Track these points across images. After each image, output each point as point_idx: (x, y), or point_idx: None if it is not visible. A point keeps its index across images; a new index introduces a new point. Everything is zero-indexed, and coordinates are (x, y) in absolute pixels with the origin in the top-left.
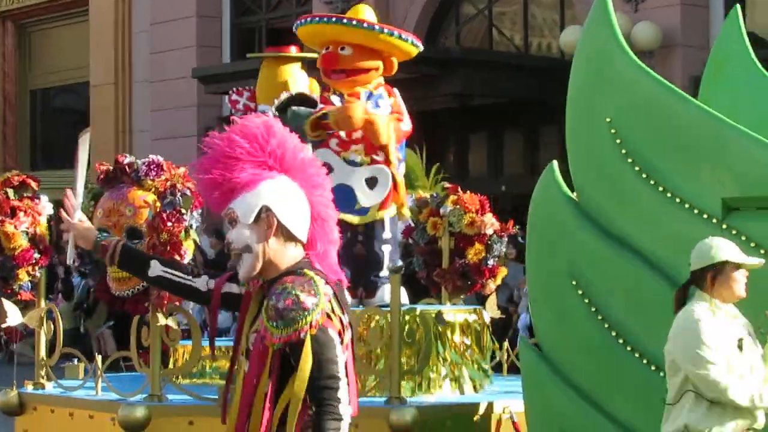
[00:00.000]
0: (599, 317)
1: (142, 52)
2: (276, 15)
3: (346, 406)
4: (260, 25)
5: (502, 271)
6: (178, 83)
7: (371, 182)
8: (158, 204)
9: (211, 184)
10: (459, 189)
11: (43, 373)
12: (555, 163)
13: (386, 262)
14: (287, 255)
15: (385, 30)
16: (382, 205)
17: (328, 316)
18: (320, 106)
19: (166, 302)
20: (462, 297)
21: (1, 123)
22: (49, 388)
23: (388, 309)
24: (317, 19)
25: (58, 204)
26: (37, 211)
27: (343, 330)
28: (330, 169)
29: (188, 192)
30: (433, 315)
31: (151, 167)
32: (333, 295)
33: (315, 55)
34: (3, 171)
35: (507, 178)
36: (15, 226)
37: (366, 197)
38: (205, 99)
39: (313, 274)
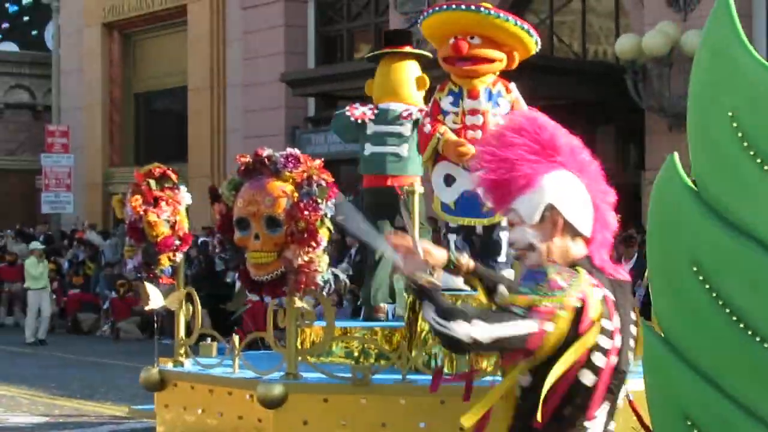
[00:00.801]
0: (720, 302)
1: (234, 58)
2: (357, 24)
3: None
4: (342, 34)
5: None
6: (267, 87)
7: None
8: (295, 194)
9: (491, 185)
10: None
11: (182, 351)
12: (676, 154)
13: (505, 248)
14: (571, 252)
15: (517, 22)
16: None
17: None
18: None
19: (302, 287)
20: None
21: (108, 123)
22: (188, 365)
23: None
24: (453, 6)
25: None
26: (177, 200)
27: (609, 336)
28: (452, 180)
29: (323, 183)
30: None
31: (289, 159)
32: (602, 299)
33: (429, 54)
34: (109, 166)
35: None
36: (158, 215)
37: None
38: (292, 101)
39: (584, 272)
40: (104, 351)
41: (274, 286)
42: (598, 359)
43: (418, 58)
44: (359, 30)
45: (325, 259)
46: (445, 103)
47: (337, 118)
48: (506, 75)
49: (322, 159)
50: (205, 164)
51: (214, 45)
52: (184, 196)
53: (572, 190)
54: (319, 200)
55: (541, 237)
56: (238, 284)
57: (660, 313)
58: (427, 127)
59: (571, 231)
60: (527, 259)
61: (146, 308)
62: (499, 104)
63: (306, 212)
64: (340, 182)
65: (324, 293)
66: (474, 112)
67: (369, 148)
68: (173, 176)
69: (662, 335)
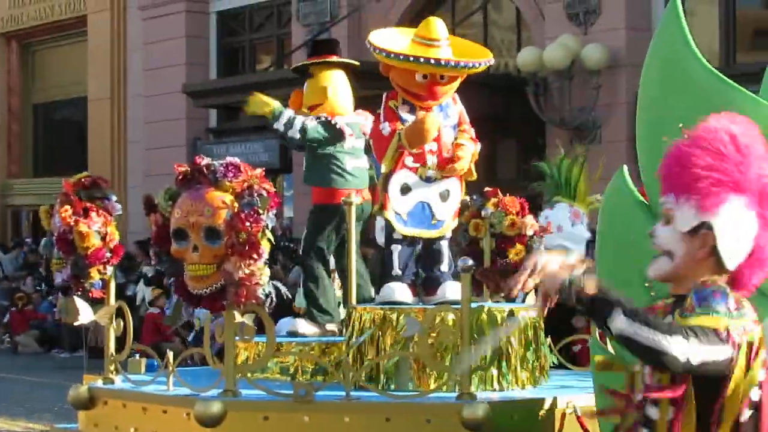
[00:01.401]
0: None
1: (135, 69)
2: (259, 35)
3: None
4: (244, 45)
5: None
6: (168, 98)
7: (444, 195)
8: (236, 204)
9: (675, 175)
10: (499, 192)
11: (112, 368)
12: (625, 167)
13: (447, 258)
14: (704, 274)
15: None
16: (454, 216)
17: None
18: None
19: (243, 300)
20: (501, 295)
21: (6, 133)
22: (119, 382)
23: (458, 306)
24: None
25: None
26: (108, 211)
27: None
28: (408, 190)
29: (264, 193)
30: (504, 313)
31: (229, 168)
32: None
33: (356, 63)
34: (7, 177)
35: (470, 188)
36: (88, 226)
37: (441, 211)
38: (193, 112)
39: (747, 302)
40: (2, 364)
41: (214, 299)
42: (755, 394)
43: (345, 67)
44: (261, 41)
45: (267, 272)
46: (403, 111)
47: (323, 125)
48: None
49: (263, 168)
50: (106, 175)
51: (114, 55)
52: (115, 206)
53: (739, 224)
54: (261, 211)
55: (685, 250)
56: (174, 298)
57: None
58: (386, 129)
59: (715, 260)
60: (658, 261)
61: (75, 323)
62: (449, 115)
63: (247, 223)
64: None
65: (265, 307)
66: None
67: (350, 162)
68: (104, 186)
69: (613, 352)
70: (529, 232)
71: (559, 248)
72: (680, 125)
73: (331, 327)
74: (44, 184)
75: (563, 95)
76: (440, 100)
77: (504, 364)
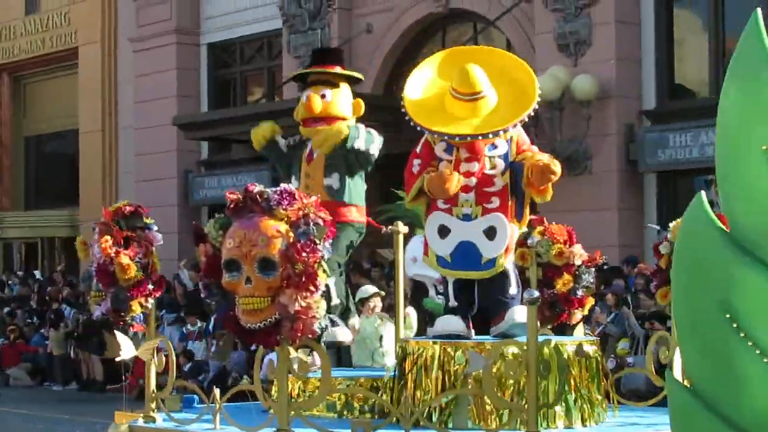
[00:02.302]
0: (756, 351)
1: (126, 101)
2: (250, 67)
3: None
4: (235, 77)
5: (590, 301)
6: (159, 130)
7: (490, 233)
8: (291, 234)
9: None
10: (545, 220)
11: (153, 405)
12: (703, 193)
13: (514, 280)
14: None
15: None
16: (507, 252)
17: None
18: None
19: (299, 335)
20: (549, 327)
21: None
22: (161, 421)
23: (524, 340)
24: None
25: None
26: (149, 240)
27: None
28: (447, 231)
29: (320, 221)
30: (574, 346)
31: (284, 196)
32: None
33: (359, 75)
34: None
35: None
36: (130, 257)
37: (489, 249)
38: (185, 144)
39: None
40: None
41: (268, 334)
42: None
43: (348, 79)
44: (253, 73)
45: (323, 304)
46: (439, 149)
47: (375, 137)
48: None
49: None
50: (97, 208)
51: (105, 88)
52: (156, 236)
53: None
54: (317, 240)
55: None
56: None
57: (687, 361)
58: (416, 168)
59: None
60: None
61: (117, 359)
62: (496, 145)
63: (304, 253)
64: None
65: (321, 342)
66: (470, 159)
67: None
68: (144, 214)
69: (689, 385)
70: (578, 262)
71: (420, 278)
72: (763, 147)
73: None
74: (36, 217)
75: (554, 126)
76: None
77: (569, 399)
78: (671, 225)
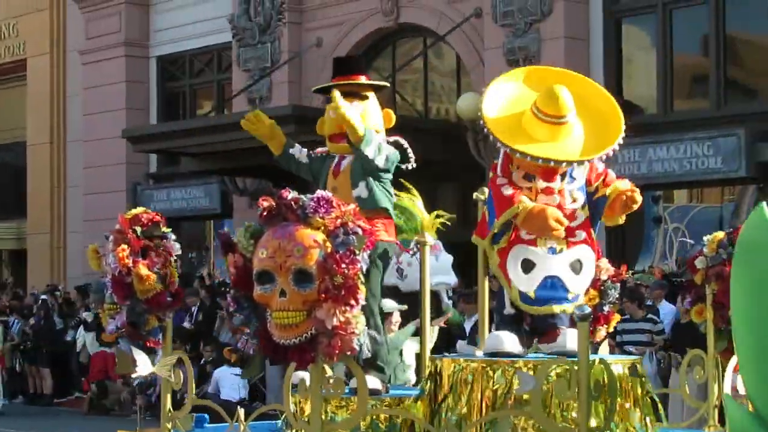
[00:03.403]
0: None
1: (75, 113)
2: (199, 80)
3: None
4: (184, 90)
5: (616, 318)
6: (108, 143)
7: (576, 267)
8: (328, 244)
9: None
10: None
11: (170, 426)
12: (764, 204)
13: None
14: None
15: None
16: (588, 289)
17: None
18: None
19: (337, 352)
20: None
21: None
22: None
23: (574, 359)
24: None
25: None
26: (167, 251)
27: None
28: (532, 265)
29: (359, 231)
30: (627, 365)
31: (321, 203)
32: None
33: (385, 83)
34: None
35: None
36: (148, 268)
37: (575, 285)
38: (133, 157)
39: None
40: None
41: (303, 350)
42: None
43: (374, 88)
44: (202, 87)
45: (362, 320)
46: (517, 176)
47: (383, 148)
48: None
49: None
50: (45, 220)
51: (54, 100)
52: (174, 246)
53: None
54: (357, 251)
55: None
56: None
57: (750, 385)
58: (507, 191)
59: None
60: None
61: (133, 376)
62: (575, 177)
63: (343, 265)
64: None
65: (360, 359)
66: (549, 191)
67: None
68: (162, 222)
69: (751, 409)
70: (603, 277)
71: (437, 287)
72: None
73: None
74: None
75: None
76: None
77: (616, 419)
78: (707, 238)
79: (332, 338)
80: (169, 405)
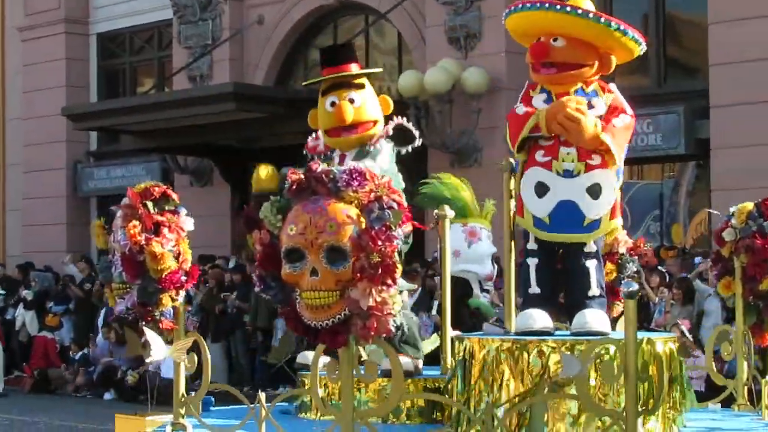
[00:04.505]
0: None
1: (14, 91)
2: (140, 58)
3: None
4: (125, 67)
5: None
6: (48, 120)
7: (595, 191)
8: (362, 219)
9: None
10: None
11: (183, 411)
12: None
13: (595, 280)
14: None
15: (612, 24)
16: (612, 215)
17: None
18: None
19: (372, 333)
20: None
21: None
22: (191, 429)
23: (619, 339)
24: (530, 5)
25: None
26: (180, 226)
27: None
28: (546, 189)
29: (395, 205)
30: (676, 346)
31: (353, 176)
32: None
33: (378, 69)
34: None
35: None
36: (162, 245)
37: (593, 210)
38: (74, 135)
39: None
40: None
41: (335, 333)
42: None
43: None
44: (142, 64)
45: (399, 300)
46: (538, 101)
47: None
48: (294, 108)
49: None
50: None
51: None
52: (187, 221)
53: None
54: (393, 227)
55: None
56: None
57: None
58: (521, 108)
59: None
60: None
61: (147, 360)
62: (594, 105)
63: (379, 242)
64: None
65: (396, 341)
66: None
67: None
68: (175, 197)
69: None
70: (621, 250)
71: (463, 274)
72: None
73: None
74: None
75: (444, 119)
76: (559, 78)
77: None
78: (733, 209)
79: (367, 319)
80: (182, 390)
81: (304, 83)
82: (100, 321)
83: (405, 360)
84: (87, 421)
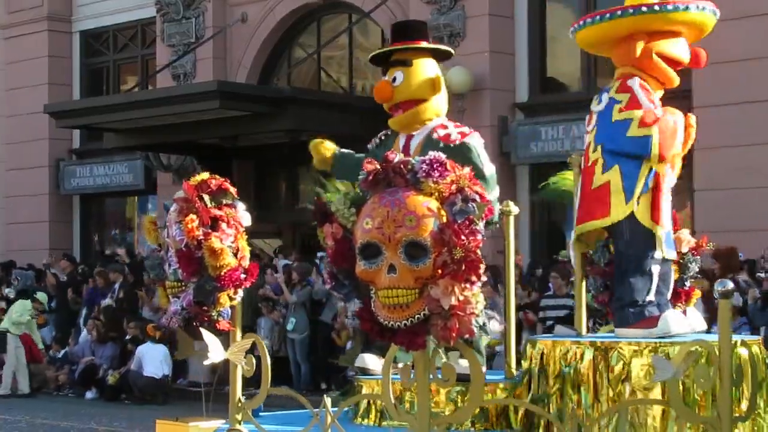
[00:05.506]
0: None
1: None
2: (123, 56)
3: None
4: (108, 65)
5: (697, 294)
6: (31, 118)
7: None
8: (443, 212)
9: None
10: None
11: (239, 417)
12: None
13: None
14: None
15: (669, 6)
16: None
17: None
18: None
19: (455, 335)
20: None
21: None
22: None
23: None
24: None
25: None
26: (238, 221)
27: None
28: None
29: (477, 197)
30: (755, 346)
31: (434, 166)
32: None
33: (445, 48)
34: None
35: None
36: (221, 240)
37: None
38: (56, 133)
39: None
40: None
41: (414, 333)
42: None
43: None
44: (126, 62)
45: (482, 298)
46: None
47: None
48: (278, 107)
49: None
50: None
51: None
52: (245, 216)
53: None
54: (476, 221)
55: None
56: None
57: None
58: (680, 122)
59: None
60: None
61: (205, 362)
62: (601, 100)
63: (463, 236)
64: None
65: (479, 343)
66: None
67: None
68: (233, 190)
69: None
70: (684, 249)
71: None
72: None
73: None
74: None
75: None
76: None
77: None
78: None
79: (449, 320)
80: (239, 394)
81: (374, 53)
82: (81, 320)
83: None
84: (69, 420)
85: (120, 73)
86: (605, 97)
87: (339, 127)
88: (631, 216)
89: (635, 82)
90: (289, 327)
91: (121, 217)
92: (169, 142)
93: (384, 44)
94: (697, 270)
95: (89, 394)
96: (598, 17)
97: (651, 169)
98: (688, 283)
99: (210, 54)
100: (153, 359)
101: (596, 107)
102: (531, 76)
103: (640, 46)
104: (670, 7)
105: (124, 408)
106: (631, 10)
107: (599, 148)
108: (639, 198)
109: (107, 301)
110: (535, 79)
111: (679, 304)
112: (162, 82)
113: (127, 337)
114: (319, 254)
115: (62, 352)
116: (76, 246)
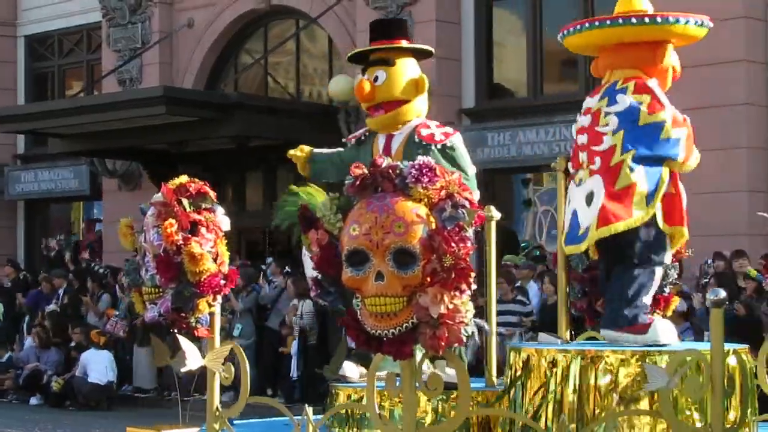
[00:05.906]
0: None
1: None
2: (68, 61)
3: None
4: (53, 70)
5: (675, 301)
6: None
7: (589, 198)
8: (432, 219)
9: None
10: None
11: (217, 426)
12: None
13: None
14: None
15: (658, 19)
16: (598, 224)
17: None
18: None
19: (443, 344)
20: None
21: None
22: None
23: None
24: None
25: None
26: (218, 226)
27: None
28: (569, 201)
29: (467, 203)
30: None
31: (423, 171)
32: None
33: (425, 47)
34: None
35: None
36: (200, 245)
37: (586, 217)
38: (1, 138)
39: None
40: None
41: (401, 342)
42: None
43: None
44: (71, 67)
45: (471, 307)
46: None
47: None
48: (224, 112)
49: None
50: None
51: None
52: (224, 220)
53: None
54: (466, 227)
55: None
56: None
57: None
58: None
59: None
60: None
61: (182, 369)
62: (617, 101)
63: (453, 243)
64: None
65: (465, 352)
66: (586, 111)
67: None
68: (212, 194)
69: None
70: None
71: None
72: None
73: None
74: None
75: None
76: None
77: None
78: None
79: (437, 328)
80: (217, 402)
81: (350, 53)
82: (25, 325)
83: (451, 372)
84: (13, 426)
85: (65, 78)
86: (622, 98)
87: (286, 133)
88: (653, 219)
89: (654, 83)
90: (236, 333)
91: (66, 222)
92: (115, 148)
93: (331, 50)
94: (676, 277)
95: (33, 400)
96: (620, 20)
97: (671, 171)
98: (667, 290)
99: (156, 59)
100: (98, 365)
101: (610, 107)
102: (477, 82)
103: (670, 51)
104: (672, 19)
105: (69, 414)
106: (633, 20)
107: (629, 150)
108: (659, 200)
109: (52, 307)
110: (482, 85)
111: (658, 311)
112: (108, 88)
113: (72, 344)
114: (268, 260)
115: (6, 356)
116: (20, 252)
